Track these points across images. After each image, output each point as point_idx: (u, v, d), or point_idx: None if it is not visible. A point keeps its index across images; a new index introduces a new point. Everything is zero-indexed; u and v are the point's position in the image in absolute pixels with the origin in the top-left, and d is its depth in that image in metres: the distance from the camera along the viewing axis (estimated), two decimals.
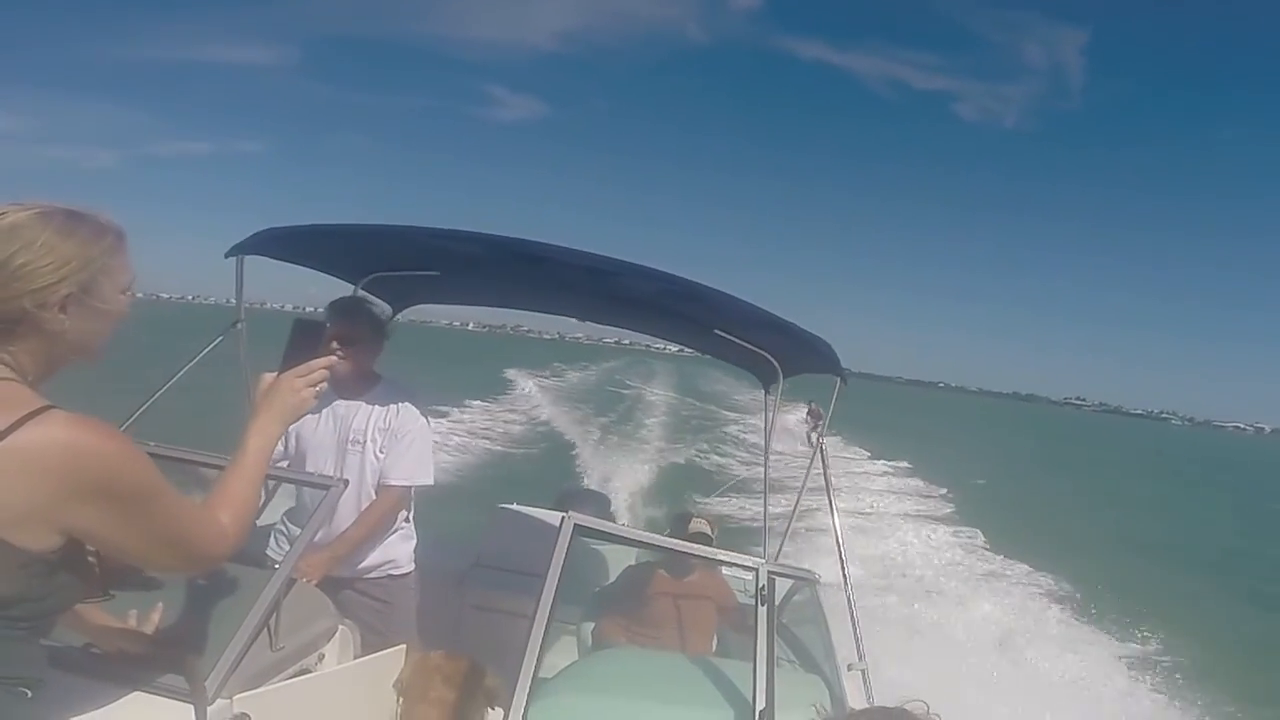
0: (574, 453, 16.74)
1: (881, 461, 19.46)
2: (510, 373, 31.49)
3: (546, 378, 35.04)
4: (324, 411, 3.13)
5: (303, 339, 1.79)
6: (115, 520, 1.36)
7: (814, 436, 3.47)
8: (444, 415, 17.33)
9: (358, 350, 3.11)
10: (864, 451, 20.47)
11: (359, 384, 3.17)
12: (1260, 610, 12.57)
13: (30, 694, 1.37)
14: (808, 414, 3.52)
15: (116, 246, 1.42)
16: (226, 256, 3.29)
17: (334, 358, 1.84)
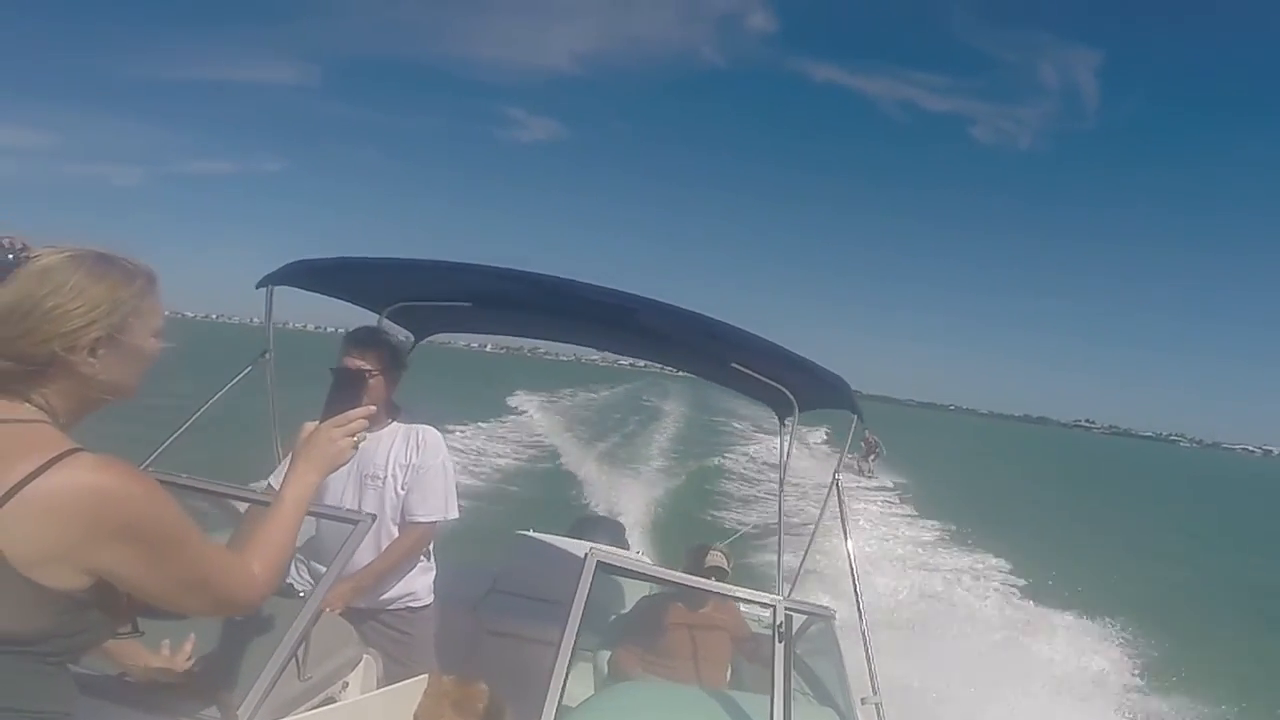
0: (580, 477, 16.71)
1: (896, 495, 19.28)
2: (519, 396, 31.42)
3: (555, 400, 35.02)
4: None
5: (343, 388, 1.82)
6: (140, 563, 1.36)
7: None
8: (450, 433, 17.31)
9: (375, 382, 3.07)
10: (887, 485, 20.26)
11: (377, 417, 3.08)
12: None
13: None
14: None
15: (147, 289, 1.44)
16: (257, 287, 3.36)
17: (373, 408, 1.83)
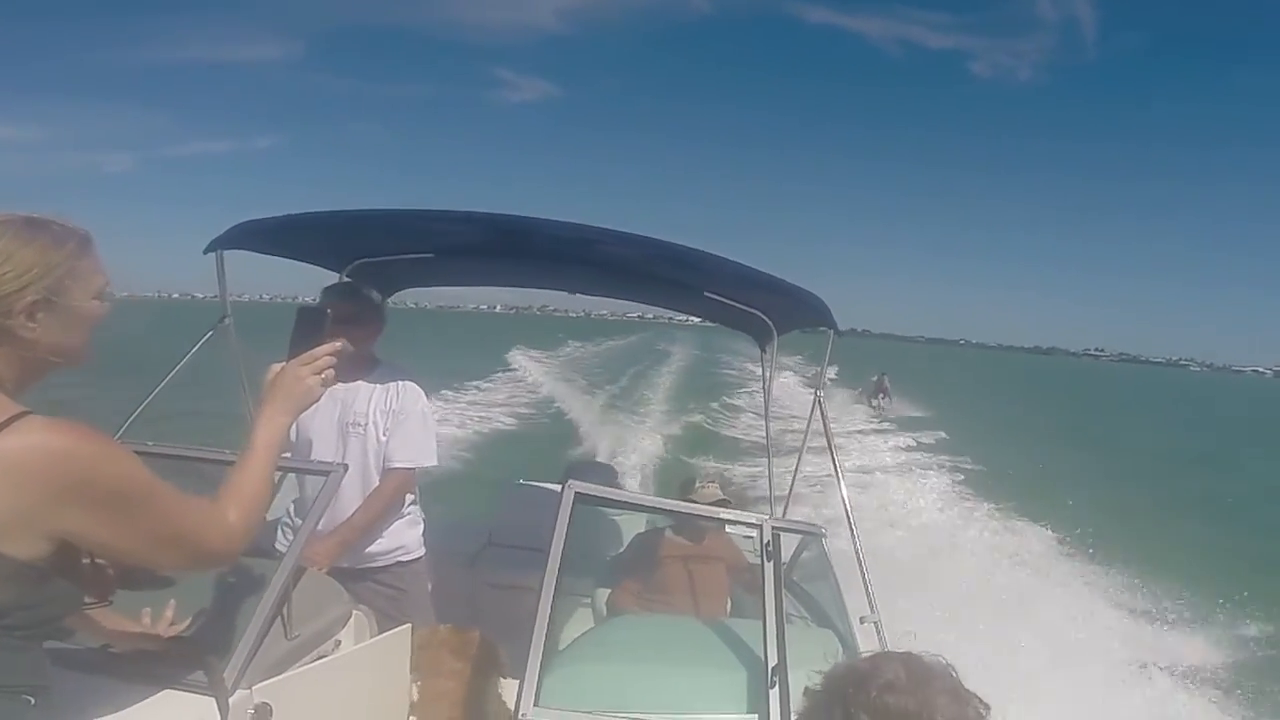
0: (580, 428, 16.83)
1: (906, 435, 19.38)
2: (518, 352, 31.44)
3: (554, 354, 35.09)
4: (324, 396, 3.12)
5: (307, 327, 1.77)
6: (104, 522, 1.35)
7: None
8: (446, 396, 17.44)
9: (357, 333, 3.05)
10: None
11: (358, 367, 3.13)
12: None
13: (34, 701, 1.37)
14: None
15: (81, 250, 1.41)
16: (205, 252, 3.27)
17: (339, 344, 1.79)
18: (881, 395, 23.91)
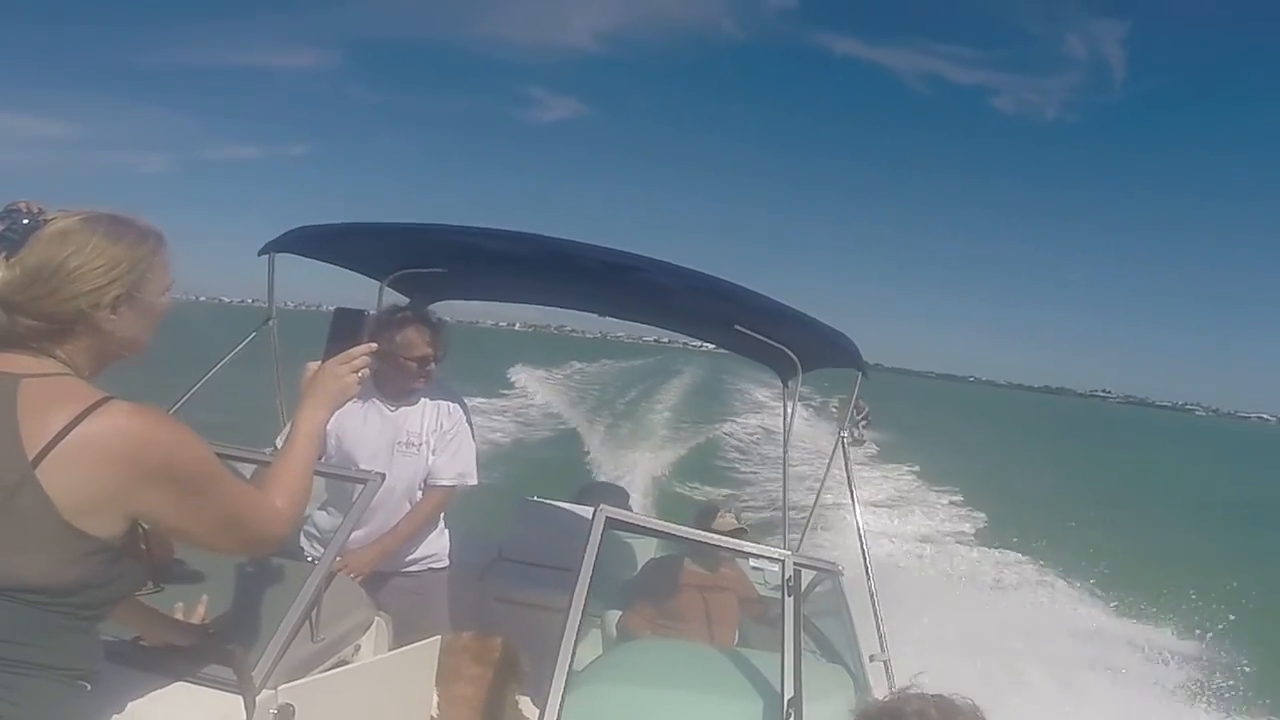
0: (586, 448, 16.82)
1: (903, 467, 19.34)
2: (519, 369, 31.41)
3: (563, 374, 35.04)
4: (373, 413, 3.18)
5: (344, 327, 1.83)
6: (179, 503, 1.43)
7: (852, 430, 3.53)
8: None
9: (429, 362, 3.16)
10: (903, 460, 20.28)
11: (415, 388, 3.20)
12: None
13: (89, 687, 1.44)
14: (854, 410, 3.56)
15: (158, 248, 1.51)
16: (260, 254, 3.38)
17: (374, 345, 1.85)
18: (863, 423, 24.02)
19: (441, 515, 3.35)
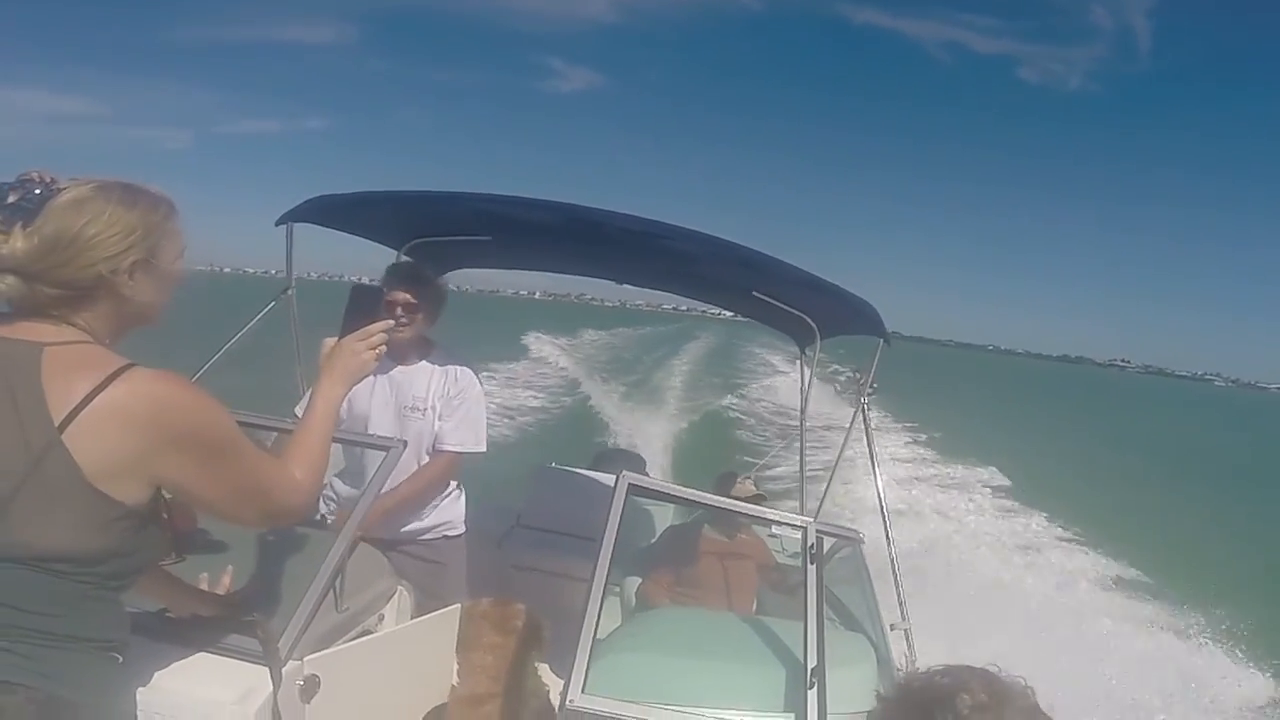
0: (601, 415, 16.87)
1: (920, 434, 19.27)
2: (535, 337, 31.48)
3: (578, 341, 35.06)
4: (380, 378, 3.15)
5: (361, 304, 1.86)
6: (201, 469, 1.44)
7: (860, 398, 3.48)
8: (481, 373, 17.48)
9: (420, 316, 3.11)
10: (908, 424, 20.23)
11: (415, 350, 3.18)
12: None
13: (120, 659, 1.45)
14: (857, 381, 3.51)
15: (170, 214, 1.51)
16: (277, 224, 3.36)
17: (391, 321, 1.89)
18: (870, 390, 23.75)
19: (455, 482, 3.33)
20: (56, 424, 1.32)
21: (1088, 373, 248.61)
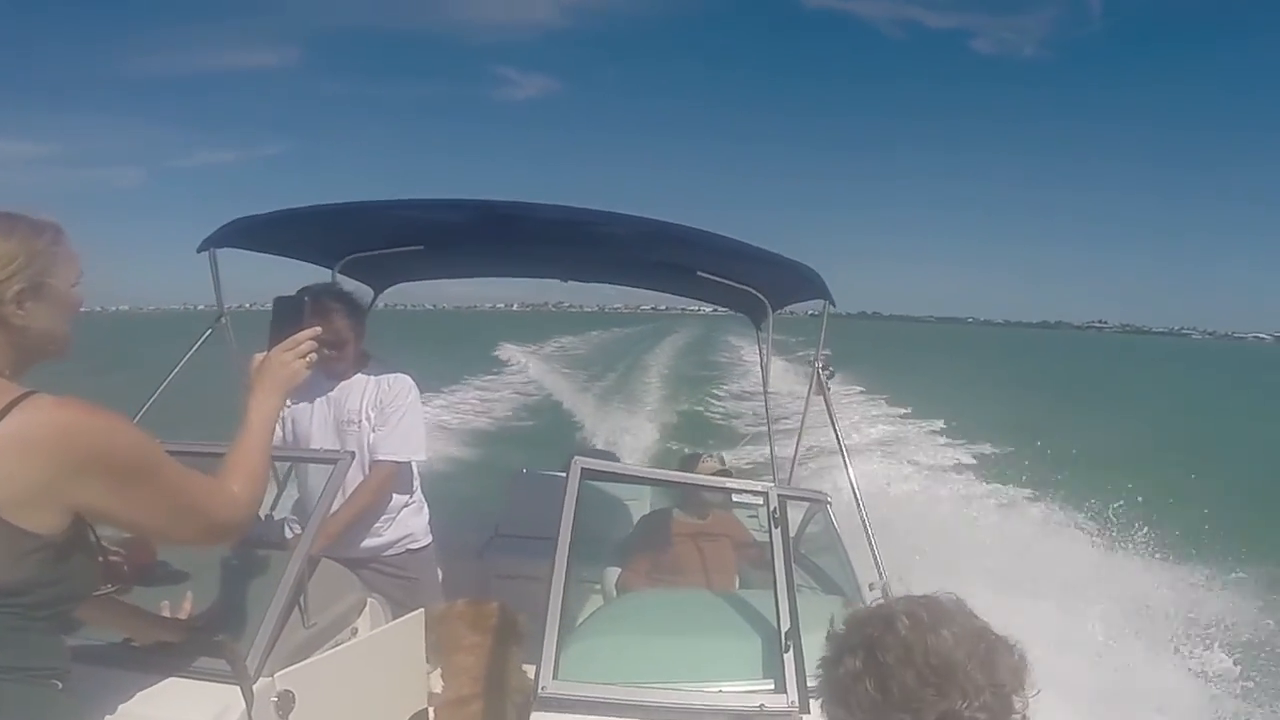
0: (576, 420, 16.89)
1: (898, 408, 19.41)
2: (506, 348, 31.36)
3: (549, 349, 35.01)
4: (318, 399, 3.13)
5: (285, 314, 1.86)
6: (119, 493, 1.40)
7: (818, 374, 3.51)
8: (444, 391, 17.50)
9: (342, 341, 3.06)
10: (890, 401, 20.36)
11: (350, 365, 3.15)
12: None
13: (60, 685, 1.42)
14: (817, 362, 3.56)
15: (57, 239, 1.48)
16: (198, 251, 3.27)
17: (318, 329, 1.87)
18: (826, 373, 24.00)
19: (411, 494, 3.26)
20: None
21: (1066, 337, 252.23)
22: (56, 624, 1.44)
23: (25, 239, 1.43)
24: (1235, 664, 5.84)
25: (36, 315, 1.43)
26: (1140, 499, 8.78)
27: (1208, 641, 6.09)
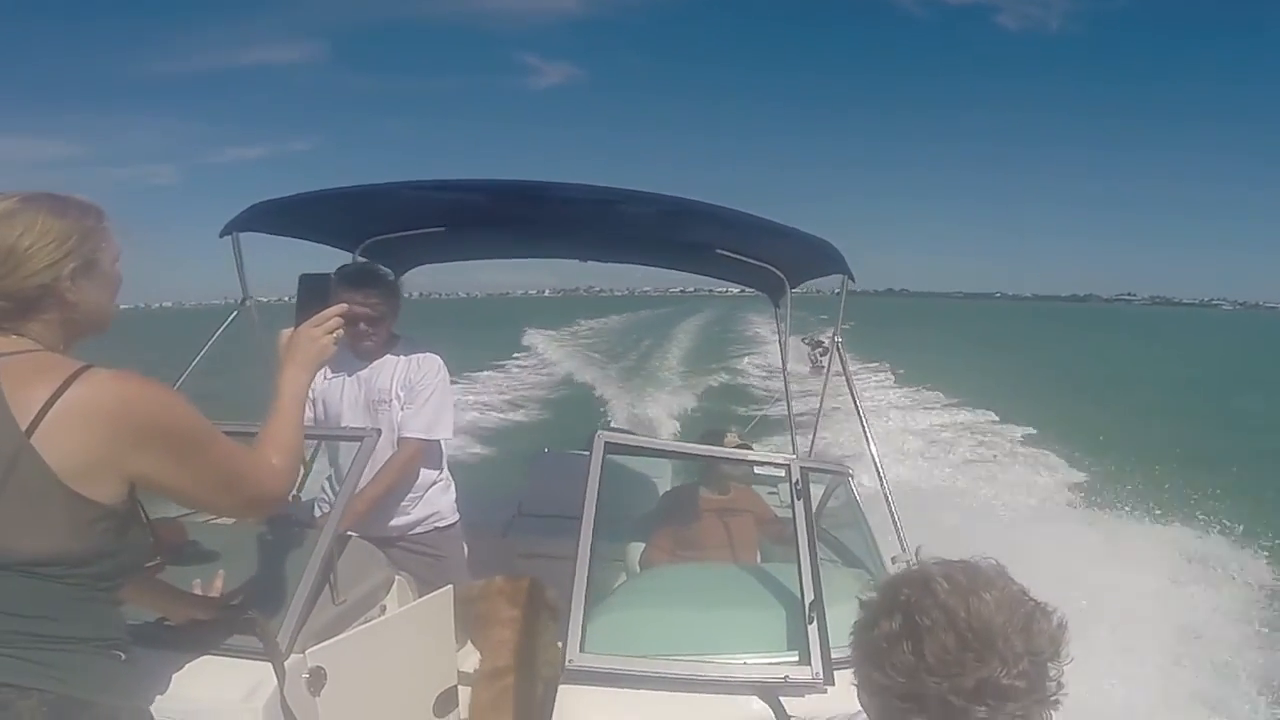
0: (600, 401, 16.97)
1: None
2: (532, 333, 31.40)
3: (573, 332, 35.10)
4: (348, 378, 3.16)
5: (311, 292, 1.87)
6: (174, 463, 1.45)
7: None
8: (470, 376, 17.58)
9: (384, 325, 3.11)
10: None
11: (380, 346, 3.17)
12: None
13: (124, 657, 1.47)
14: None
15: (102, 219, 1.52)
16: (221, 236, 3.29)
17: (344, 306, 1.89)
18: (820, 354, 23.89)
19: (440, 472, 3.29)
20: (23, 429, 1.33)
21: (1094, 310, 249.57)
22: (115, 595, 1.49)
23: (78, 219, 1.48)
24: None
25: (87, 291, 1.48)
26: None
27: None
